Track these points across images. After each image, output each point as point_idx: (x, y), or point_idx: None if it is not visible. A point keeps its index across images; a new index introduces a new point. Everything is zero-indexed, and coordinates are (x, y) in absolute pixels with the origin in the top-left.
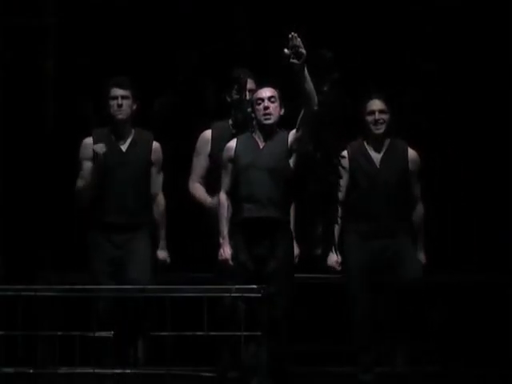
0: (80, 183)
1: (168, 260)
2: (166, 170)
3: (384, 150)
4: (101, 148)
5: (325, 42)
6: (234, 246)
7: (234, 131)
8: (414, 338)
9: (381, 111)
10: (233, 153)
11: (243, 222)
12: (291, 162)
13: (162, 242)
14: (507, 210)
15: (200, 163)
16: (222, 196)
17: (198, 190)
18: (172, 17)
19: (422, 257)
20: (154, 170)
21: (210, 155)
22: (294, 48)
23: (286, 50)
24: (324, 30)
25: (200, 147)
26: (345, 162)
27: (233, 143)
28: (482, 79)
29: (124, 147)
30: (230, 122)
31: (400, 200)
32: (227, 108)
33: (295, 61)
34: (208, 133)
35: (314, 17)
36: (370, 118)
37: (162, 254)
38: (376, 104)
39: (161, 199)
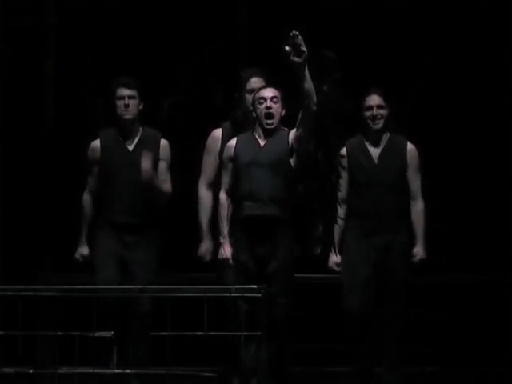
0: (85, 201)
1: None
2: (174, 170)
3: (382, 145)
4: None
5: (324, 40)
6: (234, 245)
7: (233, 130)
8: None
9: (379, 106)
10: (233, 152)
11: (244, 220)
12: (292, 160)
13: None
14: (507, 210)
15: (210, 162)
16: (222, 195)
17: (203, 199)
18: (172, 17)
19: (421, 253)
20: (162, 166)
21: (220, 154)
22: (295, 46)
23: (286, 48)
24: (323, 28)
25: (210, 146)
26: (344, 162)
27: (233, 142)
28: (482, 75)
29: (131, 147)
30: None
31: (399, 196)
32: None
33: (296, 58)
34: (218, 131)
35: (314, 16)
36: (368, 114)
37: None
38: (374, 99)
39: (168, 186)
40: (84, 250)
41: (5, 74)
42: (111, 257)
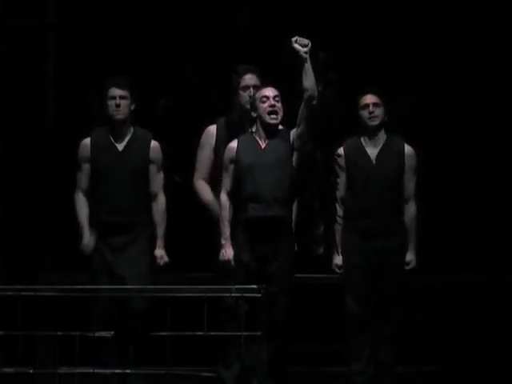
0: (77, 199)
1: (165, 259)
2: (169, 169)
3: (380, 146)
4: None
5: (324, 40)
6: (235, 246)
7: (229, 132)
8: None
9: (374, 104)
10: (234, 153)
11: (248, 222)
12: (293, 159)
13: (160, 241)
14: (507, 210)
15: (205, 157)
16: (223, 197)
17: (202, 188)
18: (172, 17)
19: (412, 258)
20: (153, 168)
21: (215, 149)
22: (299, 40)
23: (292, 39)
24: (323, 28)
25: (205, 141)
26: (341, 161)
27: (234, 144)
28: (482, 75)
29: (121, 147)
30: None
31: (395, 197)
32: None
33: (300, 47)
34: (212, 128)
35: (313, 16)
36: (364, 112)
37: (159, 252)
38: (369, 97)
39: (161, 198)
40: (90, 243)
41: (5, 74)
42: (104, 270)
